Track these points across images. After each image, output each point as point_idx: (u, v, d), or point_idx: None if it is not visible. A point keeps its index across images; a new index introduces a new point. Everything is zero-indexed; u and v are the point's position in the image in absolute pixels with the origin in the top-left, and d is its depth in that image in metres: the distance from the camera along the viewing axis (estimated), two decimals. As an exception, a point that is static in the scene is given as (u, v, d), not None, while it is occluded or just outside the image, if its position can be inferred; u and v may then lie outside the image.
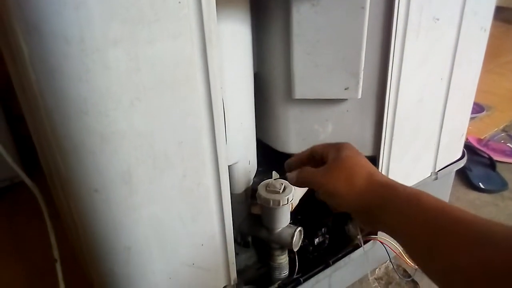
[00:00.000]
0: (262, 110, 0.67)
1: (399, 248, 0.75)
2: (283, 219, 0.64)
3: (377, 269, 0.88)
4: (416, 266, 0.79)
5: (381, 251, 0.79)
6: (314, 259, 0.73)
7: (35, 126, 0.53)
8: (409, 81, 0.63)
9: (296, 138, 0.67)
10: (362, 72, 0.58)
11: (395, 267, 0.87)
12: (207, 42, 0.43)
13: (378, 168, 0.69)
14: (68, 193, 0.46)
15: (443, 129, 0.77)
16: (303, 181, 0.50)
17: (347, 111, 0.64)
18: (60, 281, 0.61)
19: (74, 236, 0.61)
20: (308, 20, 0.55)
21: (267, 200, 0.60)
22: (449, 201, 0.97)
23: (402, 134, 0.68)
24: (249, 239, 0.73)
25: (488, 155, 1.22)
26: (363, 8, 0.54)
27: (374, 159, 0.68)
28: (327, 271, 0.71)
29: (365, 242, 0.76)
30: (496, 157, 1.23)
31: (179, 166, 0.47)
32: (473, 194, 1.12)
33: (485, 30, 0.74)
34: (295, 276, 0.69)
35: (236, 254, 0.60)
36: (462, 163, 0.88)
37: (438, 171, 0.83)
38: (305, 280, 0.68)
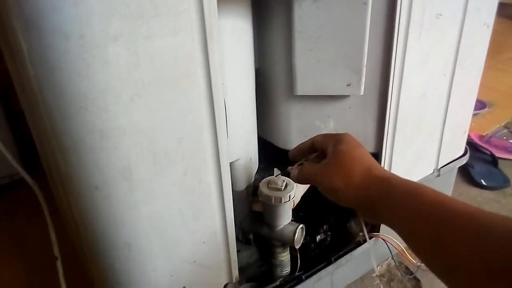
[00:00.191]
0: (263, 106, 0.66)
1: (401, 245, 0.75)
2: (285, 216, 0.64)
3: (379, 266, 0.88)
4: (419, 263, 0.79)
5: (383, 248, 0.79)
6: (316, 257, 0.73)
7: (35, 122, 0.53)
8: (411, 77, 0.63)
9: (297, 135, 0.67)
10: (364, 68, 0.58)
11: (397, 264, 0.86)
12: (208, 37, 0.43)
13: (380, 165, 0.68)
14: (68, 190, 0.46)
15: (445, 126, 0.76)
16: (303, 178, 0.50)
17: (349, 107, 0.64)
18: (61, 279, 0.61)
19: (74, 233, 0.61)
20: (310, 15, 0.55)
21: (268, 197, 0.59)
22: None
23: (404, 131, 0.68)
24: (251, 236, 0.73)
25: (490, 151, 1.22)
26: (365, 3, 0.54)
27: (376, 156, 0.68)
28: (329, 268, 0.70)
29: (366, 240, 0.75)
30: (498, 153, 1.22)
31: (180, 163, 0.47)
32: (475, 191, 1.11)
33: (488, 26, 0.73)
34: (297, 274, 0.68)
35: (238, 251, 0.60)
36: (464, 160, 0.88)
37: (441, 167, 0.82)
38: (307, 278, 0.67)
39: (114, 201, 0.45)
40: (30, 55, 0.37)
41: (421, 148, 0.75)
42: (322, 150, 0.50)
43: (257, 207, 0.70)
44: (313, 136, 0.65)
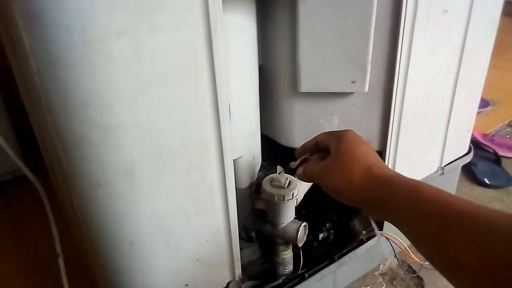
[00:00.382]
0: (266, 103, 0.66)
1: (404, 243, 0.74)
2: (288, 214, 0.63)
3: (381, 265, 0.87)
4: (422, 261, 0.79)
5: (386, 246, 0.78)
6: (318, 255, 0.73)
7: (37, 119, 0.53)
8: (417, 74, 0.62)
9: (301, 132, 0.66)
10: (369, 65, 0.57)
11: (400, 262, 0.86)
12: (212, 32, 0.42)
13: (384, 163, 0.68)
14: (70, 187, 0.46)
15: (450, 124, 0.76)
16: (307, 177, 0.50)
17: (353, 104, 0.63)
18: (63, 276, 0.61)
19: (76, 230, 0.60)
20: (314, 12, 0.54)
21: (271, 195, 0.59)
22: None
23: (409, 129, 0.67)
24: (253, 234, 0.72)
25: (493, 150, 1.21)
26: (371, -1, 0.53)
27: (380, 154, 0.67)
28: (332, 266, 0.70)
29: (369, 238, 0.75)
30: (501, 152, 1.22)
31: (183, 160, 0.46)
32: (478, 190, 1.11)
33: (494, 23, 0.73)
34: (300, 272, 0.68)
35: (240, 249, 0.59)
36: (468, 158, 0.87)
37: (445, 166, 0.82)
38: (310, 276, 0.67)
39: (116, 199, 0.44)
40: (32, 49, 0.36)
41: (426, 146, 0.75)
42: (326, 148, 0.49)
43: (259, 205, 0.69)
44: (316, 133, 0.65)
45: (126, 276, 0.50)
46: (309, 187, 0.69)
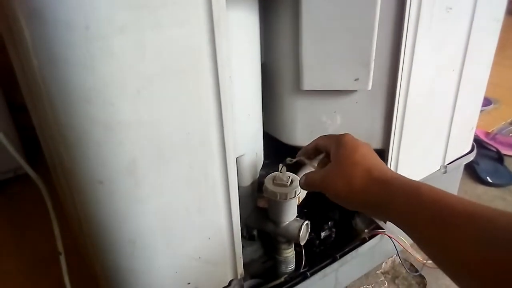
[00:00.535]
0: (268, 101, 0.65)
1: (406, 242, 0.74)
2: (290, 213, 0.63)
3: (383, 263, 0.87)
4: (424, 260, 0.78)
5: (388, 245, 0.78)
6: (320, 253, 0.73)
7: (38, 116, 0.52)
8: (420, 72, 0.62)
9: (303, 131, 0.66)
10: (373, 63, 0.57)
11: (402, 261, 0.86)
12: (215, 29, 0.42)
13: (387, 161, 0.67)
14: (72, 185, 0.45)
15: (453, 122, 0.75)
16: (309, 185, 0.50)
17: (356, 102, 0.63)
18: (64, 273, 0.61)
19: (77, 228, 0.60)
20: (318, 8, 0.54)
21: (274, 193, 0.59)
22: (457, 195, 0.96)
23: (412, 127, 0.67)
24: (255, 232, 0.72)
25: (496, 148, 1.21)
26: (375, -4, 0.53)
27: (383, 152, 0.67)
28: (334, 265, 0.70)
29: (372, 237, 0.75)
30: (504, 150, 1.21)
31: (186, 158, 0.46)
32: (481, 188, 1.11)
33: (498, 20, 0.72)
34: (302, 270, 0.68)
35: (242, 247, 0.59)
36: (471, 157, 0.87)
37: (447, 164, 0.81)
38: (312, 274, 0.67)
39: (118, 196, 0.44)
40: (33, 46, 0.36)
41: (429, 144, 0.74)
42: (325, 152, 0.50)
43: (261, 203, 0.69)
44: (319, 131, 0.65)
45: (128, 274, 0.50)
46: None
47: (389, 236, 0.75)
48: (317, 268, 0.68)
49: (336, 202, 0.46)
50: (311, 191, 0.54)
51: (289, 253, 0.67)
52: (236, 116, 0.54)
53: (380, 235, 0.75)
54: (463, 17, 0.65)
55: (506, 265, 0.28)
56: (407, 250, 0.75)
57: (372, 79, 0.58)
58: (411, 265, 0.86)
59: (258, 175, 0.66)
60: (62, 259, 0.59)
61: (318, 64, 0.58)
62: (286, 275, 0.68)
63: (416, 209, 0.37)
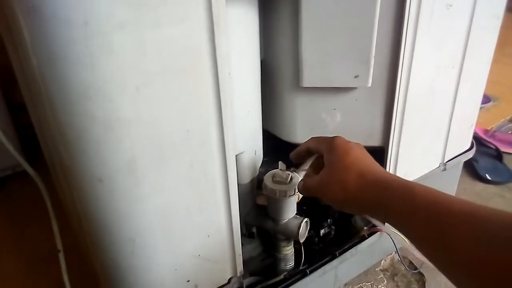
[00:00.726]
0: (268, 98, 0.65)
1: (405, 239, 0.74)
2: (290, 210, 0.63)
3: (382, 261, 0.87)
4: (423, 258, 0.78)
5: (387, 242, 0.78)
6: (319, 251, 0.73)
7: (37, 114, 0.52)
8: (420, 69, 0.62)
9: (303, 128, 0.66)
10: (372, 60, 0.57)
11: (401, 258, 0.86)
12: (215, 26, 0.42)
13: (386, 159, 0.67)
14: (71, 183, 0.45)
15: (453, 119, 0.75)
16: (306, 192, 0.51)
17: (356, 100, 0.62)
18: (64, 272, 0.61)
19: (77, 226, 0.60)
20: (317, 5, 0.54)
21: (273, 191, 0.59)
22: (456, 192, 0.96)
23: (411, 124, 0.67)
24: (254, 230, 0.72)
25: (495, 146, 1.21)
26: (375, -7, 0.52)
27: (382, 149, 0.67)
28: (334, 262, 0.70)
29: (371, 234, 0.75)
30: (503, 148, 1.22)
31: (186, 156, 0.46)
32: (480, 186, 1.11)
33: (498, 17, 0.72)
34: (301, 268, 0.68)
35: (241, 245, 0.59)
36: (471, 154, 0.87)
37: (447, 161, 0.81)
38: (311, 272, 0.67)
39: (118, 195, 0.44)
40: (32, 43, 0.36)
41: (428, 142, 0.74)
42: (317, 154, 0.51)
43: (261, 201, 0.69)
44: (318, 129, 0.65)
45: (127, 272, 0.50)
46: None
47: (388, 234, 0.75)
48: (316, 265, 0.68)
49: (333, 207, 0.47)
50: (309, 196, 0.54)
51: (289, 250, 0.67)
52: (235, 113, 0.54)
53: (379, 232, 0.75)
54: (463, 14, 0.65)
55: (507, 265, 0.28)
56: (406, 248, 0.75)
57: (372, 76, 0.58)
58: (410, 262, 0.86)
59: (257, 172, 0.66)
60: (61, 257, 0.59)
61: (318, 61, 0.57)
62: (285, 273, 0.68)
63: (411, 210, 0.37)
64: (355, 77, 0.58)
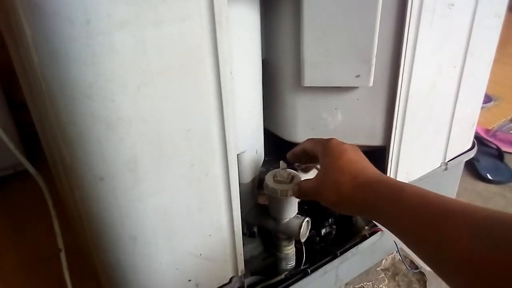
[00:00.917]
0: (269, 98, 0.65)
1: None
2: (291, 210, 0.63)
3: (383, 260, 0.87)
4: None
5: (388, 242, 0.78)
6: (320, 250, 0.72)
7: (38, 112, 0.52)
8: (422, 68, 0.62)
9: (304, 127, 0.66)
10: (374, 59, 0.56)
11: (402, 258, 0.86)
12: (217, 25, 0.41)
13: (388, 158, 0.67)
14: (72, 182, 0.45)
15: (454, 119, 0.75)
16: (302, 195, 0.52)
17: (357, 99, 0.62)
18: (65, 270, 0.61)
19: (78, 225, 0.60)
20: (319, 4, 0.53)
21: (274, 190, 0.59)
22: (457, 192, 0.96)
23: (413, 124, 0.66)
24: (255, 229, 0.72)
25: (496, 145, 1.21)
26: (377, -8, 0.52)
27: (384, 149, 0.67)
28: (335, 262, 0.70)
29: (372, 233, 0.75)
30: (504, 148, 1.21)
31: (187, 155, 0.46)
32: (481, 185, 1.11)
33: (499, 16, 0.72)
34: (302, 267, 0.68)
35: (242, 244, 0.59)
36: (472, 154, 0.87)
37: (448, 161, 0.81)
38: (312, 271, 0.67)
39: (119, 193, 0.44)
40: (34, 41, 0.36)
41: (429, 141, 0.74)
42: (313, 156, 0.52)
43: (262, 200, 0.69)
44: (319, 128, 0.65)
45: (129, 271, 0.50)
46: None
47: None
48: (317, 265, 0.68)
49: (331, 208, 0.48)
50: (305, 200, 0.58)
51: (290, 250, 0.67)
52: (236, 112, 0.54)
53: (380, 232, 0.75)
54: (465, 13, 0.65)
55: (509, 265, 0.28)
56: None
57: (373, 76, 0.58)
58: (411, 262, 0.86)
59: (258, 172, 0.66)
60: (63, 256, 0.59)
61: (319, 61, 0.57)
62: (286, 272, 0.68)
63: (398, 212, 0.38)
64: (357, 76, 0.58)
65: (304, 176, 0.60)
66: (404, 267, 0.85)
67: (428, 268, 0.35)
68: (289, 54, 0.59)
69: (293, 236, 0.64)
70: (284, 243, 0.66)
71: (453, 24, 0.64)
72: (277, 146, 0.70)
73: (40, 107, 0.46)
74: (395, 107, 0.62)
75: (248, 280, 0.64)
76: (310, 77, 0.59)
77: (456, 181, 0.94)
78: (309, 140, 0.53)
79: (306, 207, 0.73)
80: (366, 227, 0.75)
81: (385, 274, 0.85)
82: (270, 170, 0.62)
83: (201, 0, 0.39)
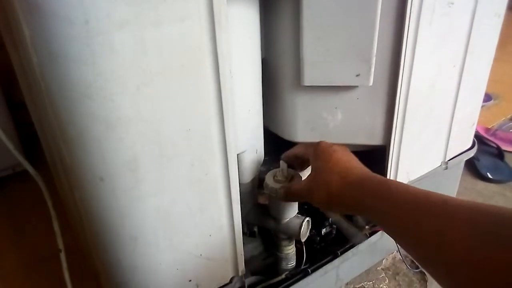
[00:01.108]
0: (269, 97, 0.65)
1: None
2: (291, 209, 0.63)
3: (384, 260, 0.87)
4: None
5: (388, 241, 0.78)
6: (321, 250, 0.72)
7: (38, 113, 0.52)
8: (421, 67, 0.61)
9: (303, 127, 0.66)
10: (374, 58, 0.56)
11: (403, 257, 0.86)
12: (216, 24, 0.41)
13: (388, 158, 0.67)
14: (72, 182, 0.45)
15: (454, 118, 0.75)
16: (294, 197, 0.55)
17: (357, 98, 0.62)
18: (65, 271, 0.60)
19: (78, 225, 0.60)
20: (319, 3, 0.53)
21: (274, 190, 0.58)
22: (457, 191, 0.96)
23: (413, 123, 0.66)
24: (255, 229, 0.72)
25: (496, 144, 1.21)
26: (377, -9, 0.52)
27: (384, 148, 0.67)
28: (335, 262, 0.69)
29: (373, 233, 0.75)
30: (504, 146, 1.21)
31: (187, 155, 0.46)
32: (481, 184, 1.11)
33: (499, 16, 0.72)
34: (302, 267, 0.68)
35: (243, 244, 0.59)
36: (472, 153, 0.86)
37: (448, 160, 0.81)
38: (313, 271, 0.67)
39: (119, 193, 0.44)
40: (33, 41, 0.36)
41: (430, 140, 0.74)
42: (304, 159, 0.54)
43: (262, 200, 0.69)
44: (319, 127, 0.65)
45: (129, 271, 0.50)
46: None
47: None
48: (318, 265, 0.68)
49: (320, 209, 0.50)
50: (295, 201, 0.60)
51: (290, 249, 0.67)
52: (236, 112, 0.54)
53: (380, 231, 0.75)
54: (465, 12, 0.65)
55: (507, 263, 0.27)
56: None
57: (373, 75, 0.58)
58: (412, 261, 0.86)
59: (258, 171, 0.66)
60: (62, 256, 0.59)
61: (318, 60, 0.57)
62: (287, 272, 0.67)
63: (383, 207, 0.39)
64: (356, 75, 0.58)
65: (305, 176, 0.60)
66: (404, 267, 0.85)
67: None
68: (289, 53, 0.59)
69: (293, 236, 0.64)
70: (285, 243, 0.66)
71: (453, 23, 0.64)
72: (277, 145, 0.70)
73: (40, 107, 0.46)
74: (395, 106, 0.62)
75: (248, 280, 0.64)
76: (310, 76, 0.59)
77: (456, 180, 0.94)
78: (300, 144, 0.56)
79: (306, 206, 0.73)
80: (367, 227, 0.75)
81: (385, 273, 0.85)
82: (270, 169, 0.62)
83: (200, 0, 0.39)
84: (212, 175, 0.49)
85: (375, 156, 0.68)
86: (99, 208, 0.44)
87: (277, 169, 0.60)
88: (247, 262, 0.63)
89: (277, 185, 0.58)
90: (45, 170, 0.64)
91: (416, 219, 0.35)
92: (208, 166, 0.48)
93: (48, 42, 0.35)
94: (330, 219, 0.73)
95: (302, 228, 0.62)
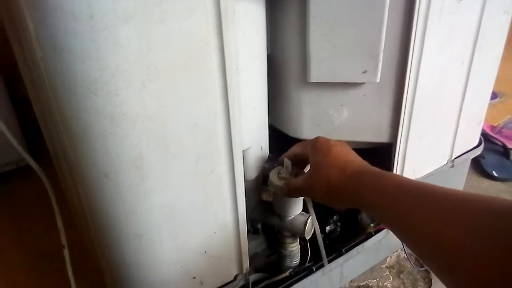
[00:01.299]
0: (274, 94, 0.64)
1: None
2: (296, 207, 0.62)
3: (388, 258, 0.87)
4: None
5: (393, 239, 0.77)
6: (325, 247, 0.72)
7: (42, 108, 0.52)
8: (429, 64, 0.61)
9: (309, 124, 0.65)
10: (381, 55, 0.56)
11: (407, 255, 0.85)
12: (223, 20, 0.41)
13: (394, 155, 0.66)
14: (76, 178, 0.45)
15: (461, 116, 0.74)
16: (295, 193, 0.54)
17: (364, 95, 0.62)
18: (68, 267, 0.60)
19: (82, 222, 0.60)
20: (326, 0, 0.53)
21: (279, 187, 0.58)
22: (463, 189, 0.95)
23: (420, 120, 0.66)
24: (259, 226, 0.71)
25: (502, 142, 1.20)
26: (385, -14, 0.51)
27: (390, 146, 0.66)
28: (340, 260, 0.69)
29: (377, 231, 0.74)
30: (509, 144, 1.20)
31: (192, 151, 0.45)
32: (486, 182, 1.10)
33: (508, 13, 0.71)
34: (307, 265, 0.67)
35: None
36: (478, 151, 0.86)
37: (455, 158, 0.80)
38: (317, 269, 0.66)
39: (124, 190, 0.43)
40: (37, 36, 0.35)
41: (436, 138, 0.73)
42: (303, 158, 0.54)
43: (266, 197, 0.68)
44: (325, 124, 0.64)
45: (133, 268, 0.49)
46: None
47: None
48: (322, 262, 0.68)
49: (320, 203, 0.49)
50: (298, 197, 0.60)
51: (294, 247, 0.66)
52: (242, 109, 0.53)
53: (385, 229, 0.75)
54: (473, 9, 0.64)
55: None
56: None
57: (380, 72, 0.57)
58: (416, 259, 0.86)
59: (263, 168, 0.66)
60: (66, 252, 0.59)
61: (325, 56, 0.57)
62: (291, 269, 0.67)
63: (380, 200, 0.39)
64: (363, 72, 0.57)
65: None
66: (409, 265, 0.85)
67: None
68: (295, 50, 0.59)
69: (297, 233, 0.63)
70: (289, 240, 0.65)
71: (462, 19, 0.63)
72: (282, 142, 0.69)
73: (43, 102, 0.45)
74: (402, 104, 0.61)
75: (252, 277, 0.63)
76: (316, 73, 0.58)
77: (462, 178, 0.93)
78: (297, 144, 0.56)
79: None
80: (372, 225, 0.74)
81: (390, 271, 0.84)
82: (275, 166, 0.61)
83: (207, -6, 0.39)
84: (217, 172, 0.49)
85: (381, 154, 0.67)
86: (103, 205, 0.44)
87: (281, 166, 0.60)
88: (250, 259, 0.62)
89: (281, 182, 0.58)
90: (49, 165, 0.64)
91: (415, 214, 0.35)
92: (214, 163, 0.48)
93: (52, 36, 0.34)
94: (335, 216, 0.73)
95: (307, 225, 0.62)
